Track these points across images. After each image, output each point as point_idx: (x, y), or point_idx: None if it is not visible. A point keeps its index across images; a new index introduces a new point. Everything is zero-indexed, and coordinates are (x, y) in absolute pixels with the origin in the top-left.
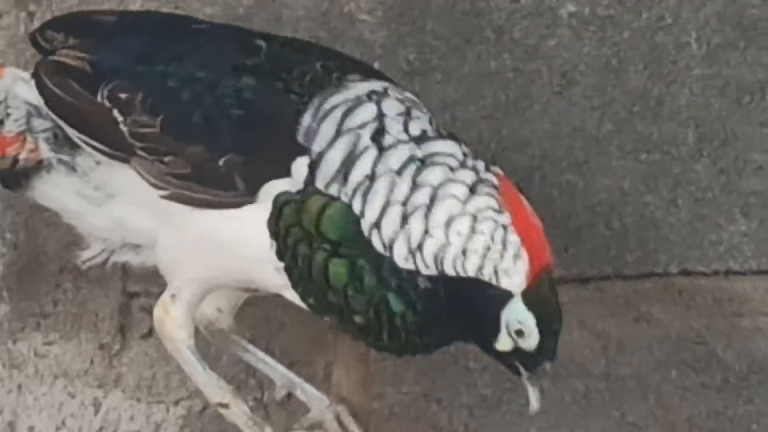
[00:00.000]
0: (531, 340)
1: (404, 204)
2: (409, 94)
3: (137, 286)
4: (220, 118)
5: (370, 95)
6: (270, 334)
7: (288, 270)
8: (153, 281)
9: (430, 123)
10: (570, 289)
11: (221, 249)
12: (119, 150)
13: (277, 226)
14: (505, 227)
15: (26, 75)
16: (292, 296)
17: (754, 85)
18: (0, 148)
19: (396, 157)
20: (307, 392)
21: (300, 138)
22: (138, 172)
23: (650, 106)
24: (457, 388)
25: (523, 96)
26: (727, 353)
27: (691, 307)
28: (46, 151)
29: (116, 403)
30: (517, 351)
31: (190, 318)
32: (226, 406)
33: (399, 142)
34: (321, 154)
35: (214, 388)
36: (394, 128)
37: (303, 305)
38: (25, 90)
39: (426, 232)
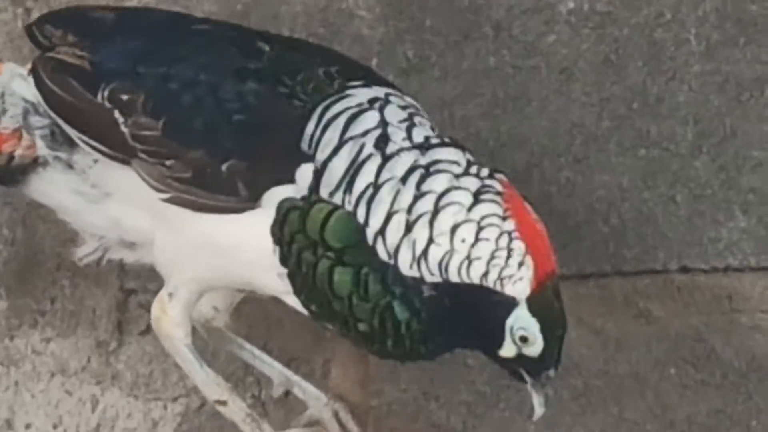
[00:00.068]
0: (535, 347)
1: (408, 212)
2: (410, 100)
3: (134, 283)
4: (223, 122)
5: (372, 102)
6: (268, 331)
7: (291, 277)
8: (150, 278)
9: (432, 129)
10: (568, 286)
11: (221, 253)
12: (120, 151)
13: (281, 232)
14: (509, 234)
15: (24, 71)
16: (293, 302)
17: (753, 82)
18: None
19: (400, 165)
20: (305, 390)
21: (304, 146)
22: (139, 174)
23: (649, 103)
24: (456, 386)
25: (521, 92)
26: (726, 350)
27: (690, 304)
28: (42, 148)
29: (114, 401)
30: (521, 357)
31: (187, 316)
32: (224, 403)
33: (402, 149)
34: (325, 162)
35: (211, 385)
36: (397, 135)
37: (304, 312)
38: (22, 86)
39: (431, 239)
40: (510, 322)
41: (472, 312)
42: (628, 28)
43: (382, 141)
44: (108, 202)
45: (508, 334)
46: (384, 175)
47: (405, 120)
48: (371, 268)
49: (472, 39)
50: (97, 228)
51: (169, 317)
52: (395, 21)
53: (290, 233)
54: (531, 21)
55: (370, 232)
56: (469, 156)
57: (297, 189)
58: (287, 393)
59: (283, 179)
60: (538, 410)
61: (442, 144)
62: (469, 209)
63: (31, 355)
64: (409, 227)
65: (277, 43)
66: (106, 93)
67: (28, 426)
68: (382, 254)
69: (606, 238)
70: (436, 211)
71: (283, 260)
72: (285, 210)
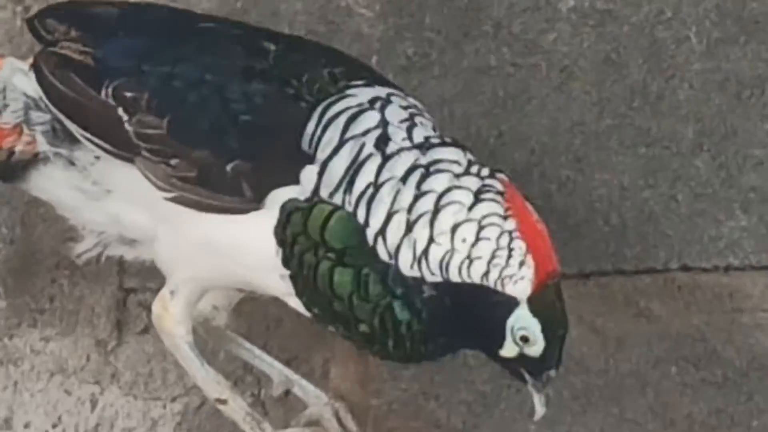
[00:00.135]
0: (536, 347)
1: (409, 211)
2: (412, 100)
3: (134, 282)
4: (229, 122)
5: (373, 102)
6: (267, 330)
7: (293, 278)
8: (150, 277)
9: (434, 129)
10: (569, 285)
11: (223, 253)
12: (123, 149)
13: (284, 233)
14: (510, 233)
15: (24, 66)
16: (295, 304)
17: (754, 80)
18: None
19: (400, 165)
20: (305, 389)
21: (304, 146)
22: (142, 172)
23: (650, 101)
24: (456, 385)
25: (521, 91)
26: (727, 349)
27: (690, 303)
28: (43, 144)
29: (113, 400)
30: (522, 357)
31: (188, 314)
32: (224, 401)
33: (403, 149)
34: (325, 162)
35: (212, 383)
36: (397, 135)
37: (307, 314)
38: (23, 81)
39: (431, 239)
40: (511, 322)
41: (472, 312)
42: (628, 26)
43: (383, 141)
44: (109, 199)
45: (509, 334)
46: (384, 175)
47: (406, 120)
48: (372, 268)
49: (472, 37)
50: (97, 224)
51: (171, 315)
52: (395, 19)
53: (293, 234)
54: (531, 19)
55: (371, 233)
56: (469, 155)
57: (301, 190)
58: (287, 392)
59: (287, 180)
60: (539, 410)
61: (443, 144)
62: (470, 209)
63: (30, 354)
64: (409, 227)
65: (282, 42)
66: (110, 90)
67: (27, 425)
68: (383, 254)
69: (606, 237)
70: (436, 211)
71: (286, 262)
72: (288, 211)
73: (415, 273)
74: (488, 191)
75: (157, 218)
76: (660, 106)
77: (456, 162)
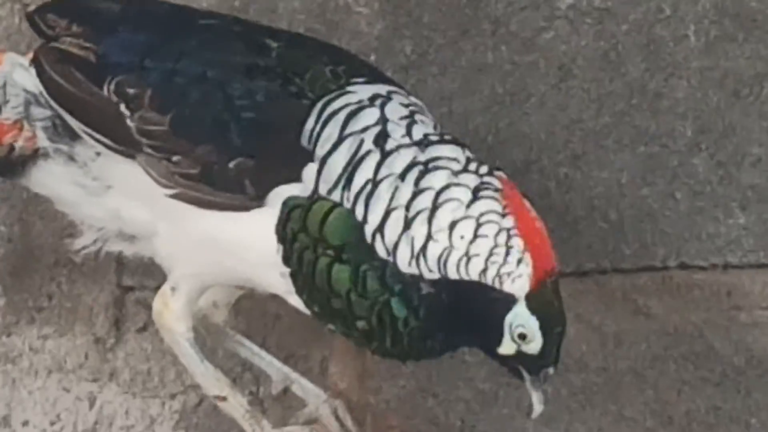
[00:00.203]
0: (534, 344)
1: (407, 208)
2: (414, 99)
3: (132, 280)
4: (232, 120)
5: (373, 99)
6: (266, 328)
7: (293, 276)
8: (148, 275)
9: (435, 128)
10: (567, 282)
11: (224, 250)
12: (125, 145)
13: (284, 231)
14: (508, 231)
15: (25, 61)
16: (295, 302)
17: (752, 78)
18: None
19: (399, 162)
20: (303, 387)
21: (304, 142)
22: (144, 169)
23: (648, 99)
24: (454, 383)
25: (520, 88)
26: (725, 347)
27: (689, 300)
28: (43, 140)
29: (111, 398)
30: (520, 355)
31: (189, 311)
32: (223, 399)
33: (401, 146)
34: (324, 158)
35: (211, 380)
36: (396, 132)
37: (307, 312)
38: (23, 77)
39: (429, 236)
40: (509, 319)
41: (470, 309)
42: (626, 24)
43: (382, 137)
44: (109, 195)
45: (507, 331)
46: (383, 172)
47: (405, 117)
48: (370, 265)
49: (470, 35)
50: (97, 220)
51: (171, 311)
52: (393, 17)
53: (293, 232)
54: (529, 17)
55: (369, 229)
56: (468, 153)
57: (303, 188)
58: (285, 390)
59: (290, 178)
60: (537, 408)
61: (442, 141)
62: (468, 206)
63: (29, 352)
64: (407, 224)
65: (284, 39)
66: (112, 86)
67: (25, 423)
68: (381, 251)
69: (605, 235)
70: (434, 208)
71: (286, 259)
72: (289, 208)
73: (413, 270)
74: (486, 189)
75: (158, 214)
76: (658, 104)
77: (455, 159)
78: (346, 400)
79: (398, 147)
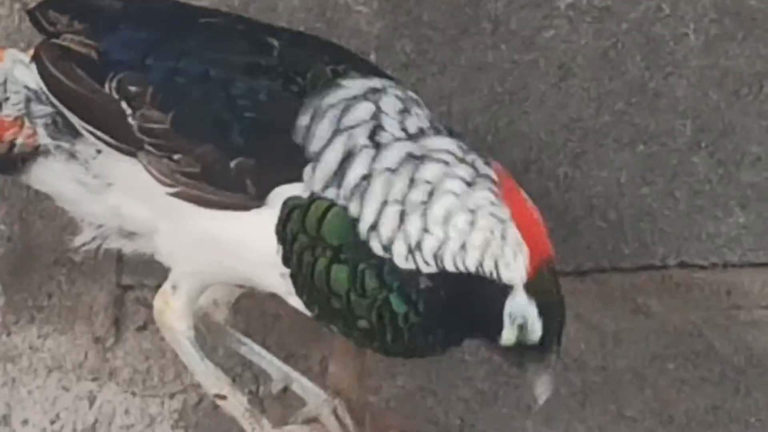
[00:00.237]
0: (534, 333)
1: (401, 202)
2: (411, 93)
3: (132, 279)
4: (234, 119)
5: (368, 93)
6: (266, 327)
7: (293, 277)
8: (147, 274)
9: (430, 121)
10: (566, 281)
11: (224, 249)
12: (126, 143)
13: (284, 231)
14: (504, 221)
15: (26, 58)
16: (295, 303)
17: (752, 77)
18: None
19: (392, 155)
20: (303, 386)
21: (297, 139)
22: (145, 167)
23: (648, 98)
24: (454, 382)
25: (519, 87)
26: (725, 346)
27: (688, 299)
28: (44, 137)
29: (111, 397)
30: (521, 345)
31: (190, 309)
32: (223, 397)
33: (396, 140)
34: (318, 155)
35: (212, 379)
36: (391, 126)
37: (307, 313)
38: (24, 74)
39: (425, 229)
40: (508, 309)
41: (469, 301)
42: (626, 22)
43: (376, 132)
44: (110, 192)
45: (506, 321)
46: (376, 167)
47: (401, 111)
48: (367, 263)
49: (470, 34)
50: (97, 217)
51: (172, 309)
52: (393, 15)
53: (293, 232)
54: (529, 15)
55: (364, 227)
56: (463, 144)
57: (304, 187)
58: (285, 389)
59: (291, 178)
60: (541, 398)
61: (437, 133)
62: (463, 198)
63: (28, 351)
64: (402, 218)
65: (285, 38)
66: (113, 83)
67: (25, 422)
68: (377, 248)
69: (604, 234)
70: (429, 201)
71: (286, 260)
72: (289, 209)
73: (410, 265)
74: (481, 180)
75: (159, 213)
76: (658, 103)
77: (449, 151)
78: (345, 400)
79: (392, 141)
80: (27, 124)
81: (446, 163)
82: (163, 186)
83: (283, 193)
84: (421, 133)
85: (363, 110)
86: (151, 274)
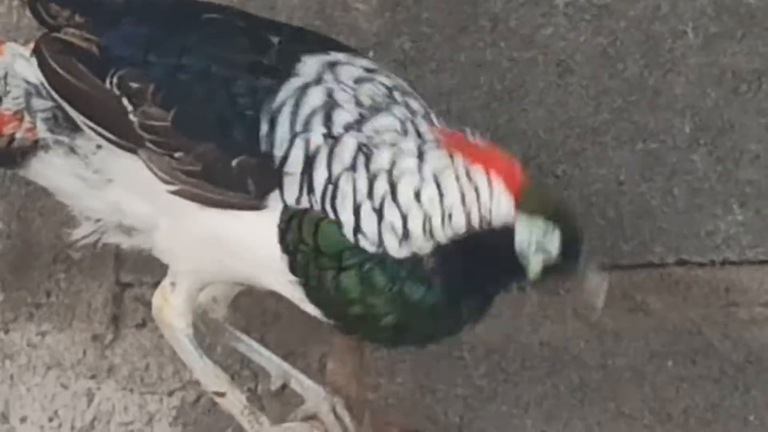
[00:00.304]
0: (554, 243)
1: (371, 198)
2: (367, 62)
3: (130, 277)
4: (235, 117)
5: (321, 73)
6: (265, 324)
7: (304, 286)
8: (146, 271)
9: (377, 92)
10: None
11: (226, 249)
12: (127, 139)
13: (285, 239)
14: (465, 172)
15: (26, 52)
16: (313, 311)
17: (750, 74)
18: None
19: (345, 152)
20: (302, 383)
21: (264, 147)
22: (146, 164)
23: (646, 96)
24: (453, 380)
25: (518, 85)
26: (724, 344)
27: (687, 297)
28: (44, 131)
29: (109, 394)
30: (551, 265)
31: (189, 306)
32: (222, 395)
33: (344, 132)
34: (283, 162)
35: (210, 376)
36: (345, 104)
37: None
38: (24, 68)
39: (403, 216)
40: (518, 244)
41: (479, 259)
42: (625, 20)
43: (330, 118)
44: (110, 187)
45: (524, 255)
46: (335, 168)
47: (357, 80)
48: (370, 263)
49: (468, 31)
50: (96, 212)
51: (171, 306)
52: (392, 13)
53: (294, 242)
54: (528, 13)
55: (348, 231)
56: (404, 112)
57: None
58: (284, 386)
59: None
60: (598, 300)
61: (377, 111)
62: (421, 171)
63: (27, 349)
64: (379, 213)
65: (286, 34)
66: (115, 79)
67: (23, 419)
68: (370, 247)
69: (603, 231)
70: (393, 188)
71: (293, 269)
72: (288, 217)
73: (406, 252)
74: (428, 145)
75: (159, 209)
76: (657, 101)
77: (392, 130)
78: (344, 397)
79: (344, 133)
80: (27, 118)
81: (392, 144)
82: (164, 183)
83: (280, 197)
84: (372, 105)
85: (315, 97)
86: (150, 272)
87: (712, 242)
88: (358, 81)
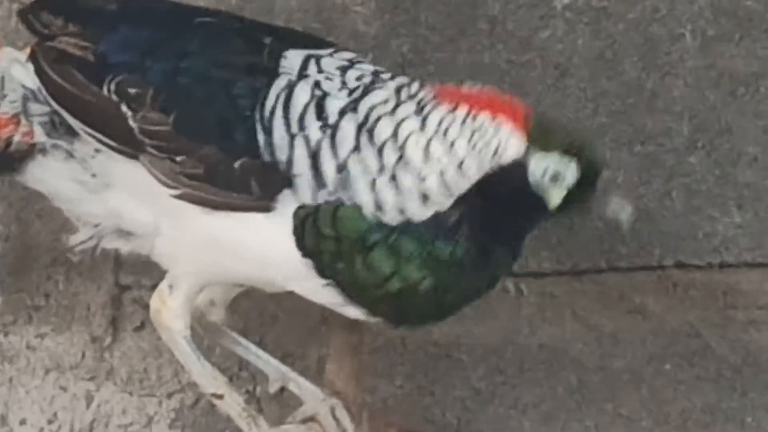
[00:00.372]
0: (570, 171)
1: (383, 171)
2: (349, 55)
3: (129, 279)
4: (237, 119)
5: (303, 67)
6: (263, 326)
7: (338, 285)
8: (145, 274)
9: (361, 75)
10: (564, 281)
11: (229, 251)
12: (127, 145)
13: (303, 242)
14: (466, 119)
15: (22, 56)
16: (355, 314)
17: (748, 77)
18: None
19: (347, 136)
20: (300, 386)
21: (265, 157)
22: (147, 169)
23: (644, 98)
24: (451, 382)
25: (516, 88)
26: (722, 346)
27: (685, 299)
28: (41, 136)
29: (108, 396)
30: (572, 192)
31: (187, 309)
32: (220, 397)
33: (340, 116)
34: (289, 164)
35: (208, 378)
36: (333, 91)
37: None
38: (21, 73)
39: (420, 179)
40: (533, 179)
41: (500, 203)
42: (623, 23)
43: (322, 108)
44: (108, 192)
45: (541, 188)
46: (341, 154)
47: (341, 68)
48: (396, 232)
49: (467, 34)
50: (94, 216)
51: (169, 309)
52: (390, 16)
53: (316, 244)
54: (526, 16)
55: (369, 210)
56: (392, 83)
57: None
58: (282, 389)
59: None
60: (625, 221)
61: (366, 92)
62: (423, 129)
63: (26, 351)
64: (395, 183)
65: (281, 37)
66: (112, 86)
67: (22, 422)
68: (393, 219)
69: (601, 234)
70: (402, 154)
71: (321, 272)
72: (300, 219)
73: (429, 212)
74: (424, 105)
75: (160, 213)
76: (655, 103)
77: (384, 101)
78: (343, 399)
79: (339, 119)
80: (24, 122)
81: (390, 112)
82: (166, 188)
83: (291, 197)
84: (361, 86)
85: (302, 94)
86: (149, 274)
87: (710, 244)
88: (342, 69)
